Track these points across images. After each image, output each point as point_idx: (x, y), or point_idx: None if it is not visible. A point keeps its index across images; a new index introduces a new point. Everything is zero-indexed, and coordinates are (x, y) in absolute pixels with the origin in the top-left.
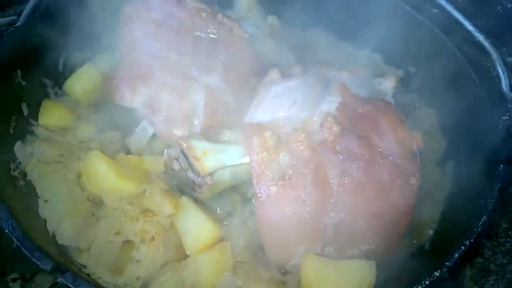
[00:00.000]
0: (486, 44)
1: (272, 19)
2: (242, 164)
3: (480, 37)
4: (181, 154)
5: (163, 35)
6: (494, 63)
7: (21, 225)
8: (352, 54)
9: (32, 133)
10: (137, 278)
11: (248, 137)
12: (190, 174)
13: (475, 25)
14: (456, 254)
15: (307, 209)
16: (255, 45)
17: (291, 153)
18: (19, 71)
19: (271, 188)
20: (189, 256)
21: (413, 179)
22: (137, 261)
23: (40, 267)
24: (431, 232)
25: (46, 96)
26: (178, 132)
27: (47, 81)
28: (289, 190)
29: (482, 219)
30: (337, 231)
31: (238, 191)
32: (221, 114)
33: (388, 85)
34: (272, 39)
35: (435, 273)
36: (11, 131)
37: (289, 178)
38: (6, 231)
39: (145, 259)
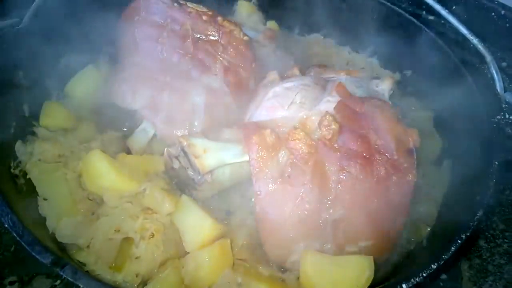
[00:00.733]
0: (480, 47)
1: (271, 24)
2: (241, 162)
3: (474, 40)
4: (181, 153)
5: (164, 38)
6: (488, 65)
7: (21, 220)
8: (349, 58)
9: (33, 133)
10: (137, 275)
11: (248, 136)
12: (190, 172)
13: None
14: (453, 248)
15: (306, 206)
16: (254, 47)
17: (290, 151)
18: (21, 72)
19: (270, 185)
20: (189, 253)
21: (410, 175)
22: (136, 258)
23: (40, 261)
24: (428, 229)
25: (48, 97)
26: (179, 132)
27: (49, 83)
28: (288, 187)
29: (478, 214)
30: (336, 227)
31: (237, 191)
32: (221, 115)
33: (384, 86)
34: (271, 43)
35: (432, 265)
36: (12, 130)
37: (288, 175)
38: (6, 225)
39: (145, 256)
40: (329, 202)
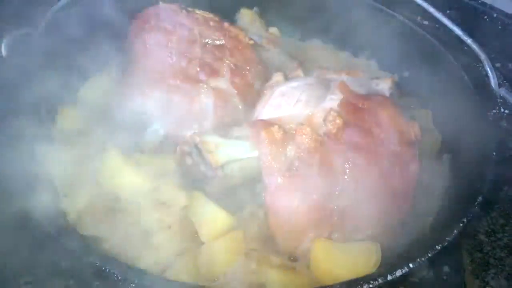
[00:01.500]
0: (474, 47)
1: (273, 30)
2: (250, 158)
3: (469, 40)
4: (194, 149)
5: (173, 43)
6: (483, 63)
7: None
8: (349, 61)
9: (48, 136)
10: (156, 264)
11: (256, 132)
12: (202, 168)
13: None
14: (455, 230)
15: (314, 197)
16: (259, 51)
17: (297, 146)
18: (35, 79)
19: (279, 179)
20: (204, 243)
21: (413, 165)
22: (155, 248)
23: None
24: (431, 218)
25: (62, 103)
26: (189, 132)
27: (63, 89)
28: (296, 180)
29: (478, 199)
30: (343, 217)
31: (247, 186)
32: (229, 115)
33: (385, 85)
34: (274, 47)
35: (437, 246)
36: (27, 132)
37: (296, 169)
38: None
39: (163, 245)
40: (336, 193)
